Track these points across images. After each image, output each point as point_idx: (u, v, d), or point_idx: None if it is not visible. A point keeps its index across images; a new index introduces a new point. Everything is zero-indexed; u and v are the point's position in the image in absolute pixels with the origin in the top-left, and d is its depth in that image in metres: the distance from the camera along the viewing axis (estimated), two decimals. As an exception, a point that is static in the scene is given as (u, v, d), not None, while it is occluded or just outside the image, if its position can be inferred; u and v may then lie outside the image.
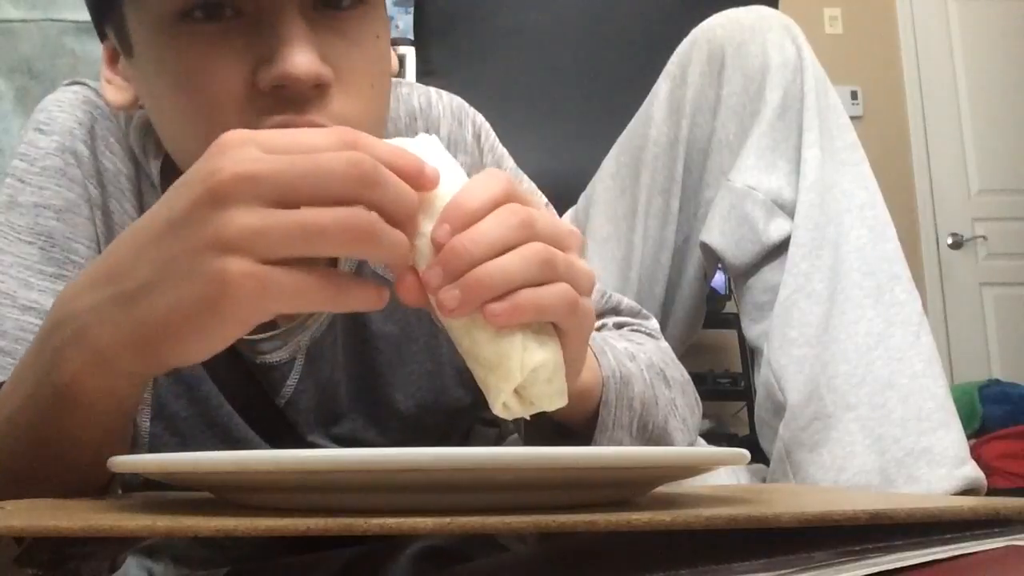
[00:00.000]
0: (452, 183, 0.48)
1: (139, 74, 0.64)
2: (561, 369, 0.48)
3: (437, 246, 0.46)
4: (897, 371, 0.87)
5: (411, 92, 0.79)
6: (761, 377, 0.94)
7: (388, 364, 0.75)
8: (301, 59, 0.56)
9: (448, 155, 0.51)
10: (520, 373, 0.46)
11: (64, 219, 0.67)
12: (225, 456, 0.39)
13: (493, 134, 0.81)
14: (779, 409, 0.91)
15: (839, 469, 0.85)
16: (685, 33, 1.08)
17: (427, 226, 0.47)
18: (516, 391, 0.47)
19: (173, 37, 0.59)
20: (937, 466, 0.83)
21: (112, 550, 0.53)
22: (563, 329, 0.48)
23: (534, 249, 0.46)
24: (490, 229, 0.46)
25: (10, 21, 1.19)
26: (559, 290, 0.47)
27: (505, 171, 0.80)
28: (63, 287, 0.65)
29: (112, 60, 0.67)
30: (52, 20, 1.20)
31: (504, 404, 0.47)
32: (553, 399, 0.48)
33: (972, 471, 0.84)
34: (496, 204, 0.47)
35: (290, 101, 0.57)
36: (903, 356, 0.87)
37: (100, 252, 0.68)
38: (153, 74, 0.62)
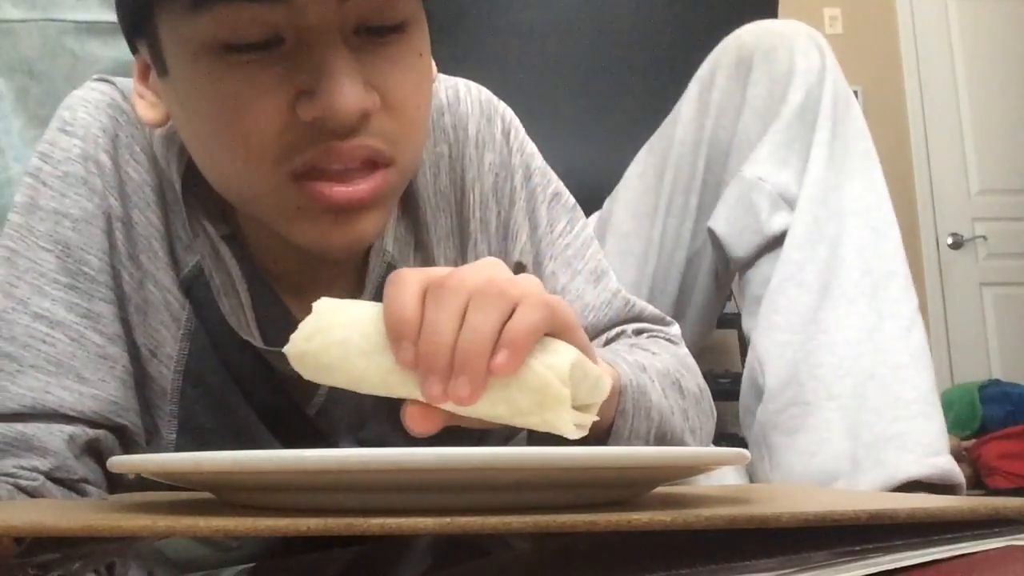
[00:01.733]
0: (369, 312, 0.48)
1: (172, 94, 0.62)
2: (585, 359, 0.48)
3: (410, 365, 0.46)
4: (880, 361, 0.87)
5: (438, 84, 0.76)
6: (746, 362, 0.95)
7: None
8: (347, 92, 0.55)
9: (344, 301, 0.50)
10: (565, 386, 0.45)
11: (80, 230, 0.66)
12: (226, 456, 0.38)
13: (523, 130, 0.79)
14: (759, 393, 0.92)
15: (812, 454, 0.86)
16: (690, 34, 1.09)
17: (387, 362, 0.47)
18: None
19: (212, 65, 0.57)
20: (907, 451, 0.83)
21: (113, 550, 0.53)
22: (555, 332, 0.48)
23: (481, 293, 0.46)
24: (436, 314, 0.46)
25: (10, 21, 1.18)
26: (529, 306, 0.46)
27: (530, 169, 0.78)
28: (75, 297, 0.65)
29: (143, 74, 0.65)
30: (52, 20, 1.20)
31: (574, 425, 0.46)
32: (599, 385, 0.48)
33: (946, 463, 0.84)
34: (422, 296, 0.47)
35: (332, 131, 0.56)
36: (889, 348, 0.88)
37: (112, 266, 0.67)
38: (188, 97, 0.60)
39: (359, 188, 0.58)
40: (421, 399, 0.47)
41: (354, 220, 0.59)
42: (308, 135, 0.57)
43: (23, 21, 1.19)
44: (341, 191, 0.58)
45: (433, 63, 0.67)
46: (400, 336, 0.46)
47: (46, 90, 1.12)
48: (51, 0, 1.20)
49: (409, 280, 0.47)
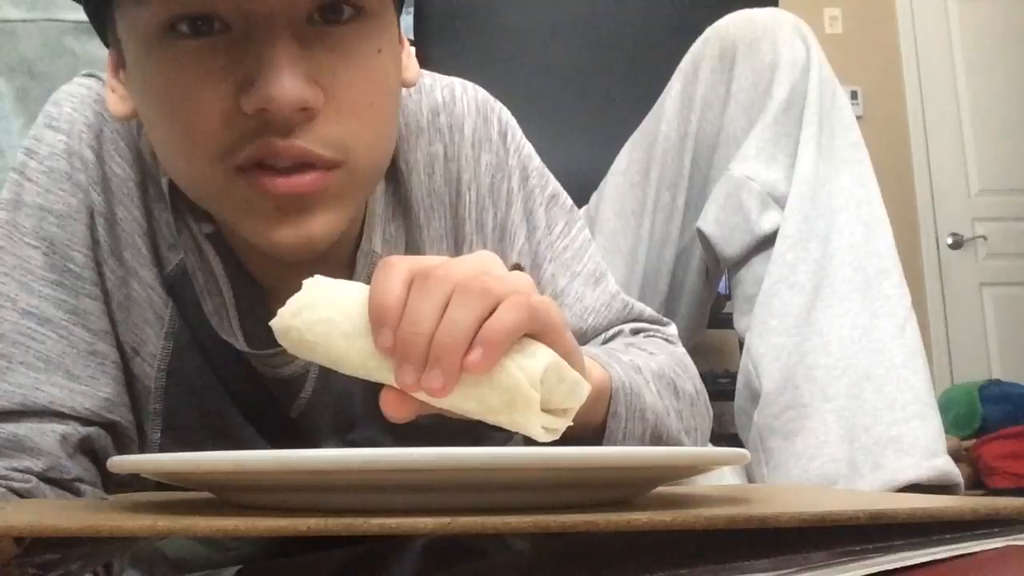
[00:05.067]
0: (357, 294, 0.48)
1: (132, 87, 0.61)
2: (563, 362, 0.47)
3: (388, 352, 0.46)
4: (876, 362, 0.87)
5: (434, 84, 0.75)
6: (741, 365, 0.94)
7: None
8: (285, 84, 0.54)
9: (336, 281, 0.51)
10: (535, 390, 0.45)
11: (64, 226, 0.66)
12: (225, 456, 0.38)
13: (520, 131, 0.78)
14: (755, 396, 0.91)
15: (810, 457, 0.86)
16: (686, 31, 1.08)
17: (368, 345, 0.47)
18: (543, 409, 0.46)
19: (158, 52, 0.56)
20: (905, 455, 0.83)
21: (113, 550, 0.53)
22: (536, 333, 0.48)
23: (464, 288, 0.46)
24: (418, 304, 0.46)
25: (10, 21, 1.19)
26: (510, 305, 0.46)
27: (528, 173, 0.77)
28: (62, 294, 0.65)
29: (116, 68, 0.65)
30: (52, 20, 1.20)
31: (543, 428, 0.46)
32: (576, 391, 0.48)
33: (944, 464, 0.83)
34: (408, 284, 0.47)
35: (274, 125, 0.55)
36: (884, 347, 0.87)
37: (96, 262, 0.67)
38: (140, 88, 0.60)
39: (302, 180, 0.57)
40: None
41: (302, 218, 0.58)
42: (250, 130, 0.56)
43: (23, 21, 1.19)
44: (283, 182, 0.57)
45: (415, 63, 0.66)
46: (381, 322, 0.46)
47: (46, 90, 1.12)
48: (51, 0, 1.20)
49: (397, 267, 0.47)
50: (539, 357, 0.46)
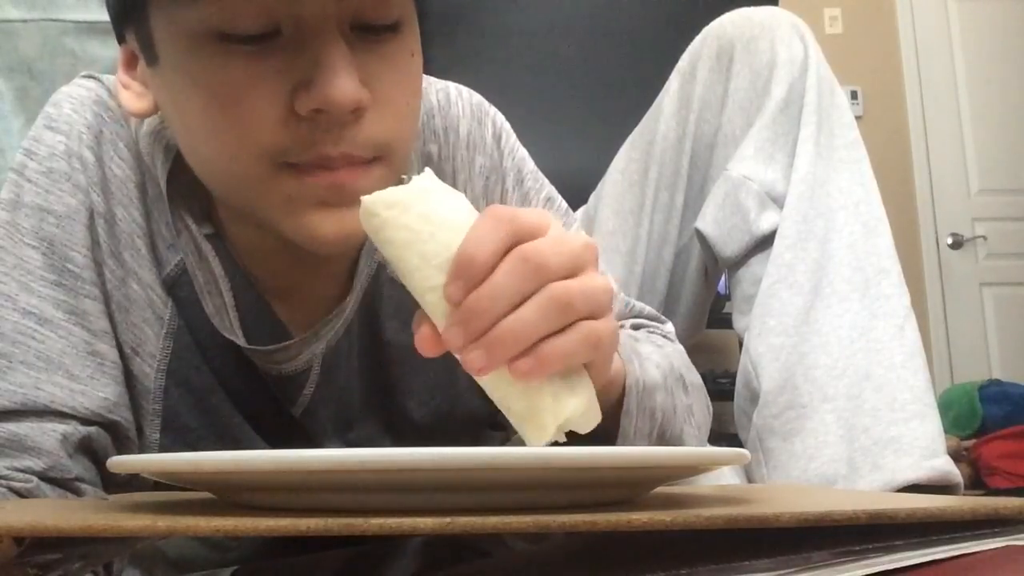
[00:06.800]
0: (455, 220, 0.47)
1: (163, 84, 0.61)
2: (593, 402, 0.47)
3: (451, 302, 0.45)
4: (875, 362, 0.87)
5: (429, 87, 0.76)
6: (740, 365, 0.94)
7: (402, 373, 0.74)
8: (343, 85, 0.55)
9: (446, 186, 0.49)
10: (554, 425, 0.45)
11: (63, 226, 0.66)
12: (225, 456, 0.38)
13: (514, 135, 0.79)
14: (754, 397, 0.91)
15: (809, 458, 0.86)
16: (684, 31, 1.08)
17: (438, 278, 0.46)
18: None
19: (207, 54, 0.57)
20: (904, 455, 0.83)
21: (113, 550, 0.53)
22: (589, 364, 0.48)
23: (550, 295, 0.46)
24: (504, 282, 0.45)
25: (10, 21, 1.18)
26: (581, 333, 0.46)
27: (526, 186, 0.78)
28: (62, 295, 0.65)
29: (130, 64, 0.64)
30: (52, 20, 1.20)
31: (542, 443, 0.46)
32: (587, 422, 0.48)
33: (944, 464, 0.83)
34: (505, 250, 0.46)
35: (326, 126, 0.56)
36: (883, 347, 0.87)
37: (95, 262, 0.67)
38: (181, 87, 0.60)
39: (350, 173, 0.58)
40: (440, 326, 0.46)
41: (345, 212, 0.59)
42: (303, 133, 0.57)
43: (23, 21, 1.19)
44: (330, 175, 0.58)
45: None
46: (461, 273, 0.45)
47: (46, 90, 1.12)
48: (51, 0, 1.20)
49: (501, 223, 0.46)
50: (577, 396, 0.46)
